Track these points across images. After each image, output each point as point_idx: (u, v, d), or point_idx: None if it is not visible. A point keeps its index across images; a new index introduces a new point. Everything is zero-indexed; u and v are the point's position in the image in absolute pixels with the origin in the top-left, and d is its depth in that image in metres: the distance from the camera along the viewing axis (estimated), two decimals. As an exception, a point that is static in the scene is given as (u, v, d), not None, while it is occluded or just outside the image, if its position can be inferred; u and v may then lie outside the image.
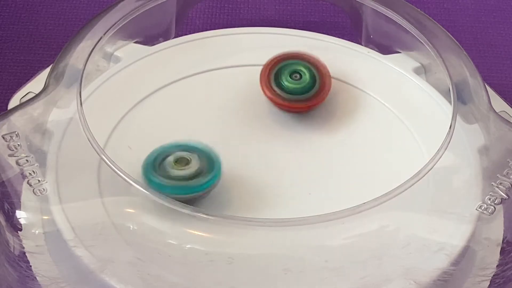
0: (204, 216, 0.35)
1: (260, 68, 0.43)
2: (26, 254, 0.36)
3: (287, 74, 0.42)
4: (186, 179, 0.37)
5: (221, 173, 0.37)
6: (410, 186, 0.36)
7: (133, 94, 0.43)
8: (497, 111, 0.41)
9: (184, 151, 0.38)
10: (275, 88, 0.42)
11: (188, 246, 0.36)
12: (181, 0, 0.48)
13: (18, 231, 0.36)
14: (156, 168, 0.37)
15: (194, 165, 0.37)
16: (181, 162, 0.37)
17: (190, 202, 0.36)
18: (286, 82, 0.42)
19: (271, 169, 0.40)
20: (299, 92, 0.42)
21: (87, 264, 0.35)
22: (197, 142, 0.38)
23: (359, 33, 0.48)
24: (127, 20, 0.44)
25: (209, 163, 0.37)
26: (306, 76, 0.42)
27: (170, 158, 0.37)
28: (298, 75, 0.42)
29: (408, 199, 0.36)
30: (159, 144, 0.40)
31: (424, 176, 0.37)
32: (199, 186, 0.37)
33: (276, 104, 0.42)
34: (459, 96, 0.41)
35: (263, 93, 0.42)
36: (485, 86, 0.42)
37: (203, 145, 0.38)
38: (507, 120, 0.41)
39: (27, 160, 0.38)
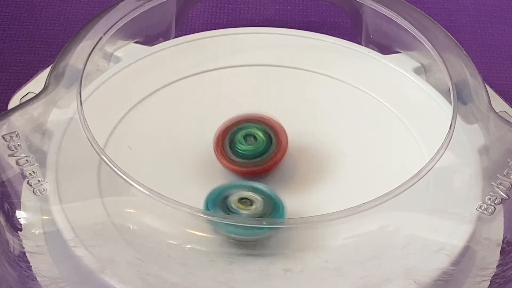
0: (204, 216, 0.35)
1: (261, 67, 0.43)
2: (26, 254, 0.36)
3: (241, 137, 0.39)
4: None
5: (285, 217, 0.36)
6: (410, 186, 0.36)
7: (133, 94, 0.43)
8: (497, 111, 0.41)
9: (248, 191, 0.37)
10: (230, 154, 0.39)
11: (188, 246, 0.36)
12: (181, 0, 0.48)
13: (18, 231, 0.36)
14: (219, 205, 0.36)
15: (258, 207, 0.36)
16: (245, 202, 0.36)
17: (250, 244, 0.36)
18: (241, 146, 0.39)
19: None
20: (254, 155, 0.39)
21: (87, 264, 0.35)
22: (261, 184, 0.37)
23: (359, 33, 0.48)
24: (127, 20, 0.44)
25: (273, 206, 0.36)
26: (261, 137, 0.39)
27: (234, 197, 0.36)
28: (252, 138, 0.40)
29: (408, 199, 0.36)
30: (159, 144, 0.41)
31: (424, 176, 0.37)
32: (263, 228, 0.36)
33: (232, 170, 0.39)
34: (459, 96, 0.41)
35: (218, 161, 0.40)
36: (485, 86, 0.42)
37: (266, 187, 0.37)
38: (507, 120, 0.41)
39: (27, 160, 0.38)
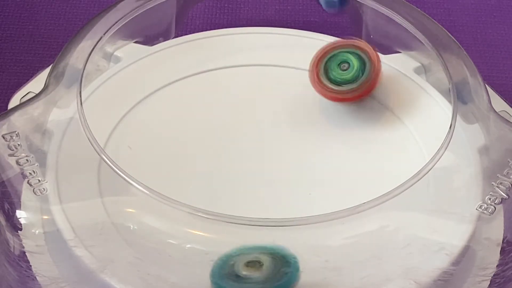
0: (204, 216, 0.35)
1: (261, 67, 0.43)
2: (26, 254, 0.36)
3: (335, 64, 0.41)
4: (259, 282, 0.34)
5: (299, 274, 0.34)
6: (410, 186, 0.36)
7: (133, 94, 0.43)
8: (497, 111, 0.41)
9: (255, 253, 0.34)
10: (324, 81, 0.41)
11: (188, 246, 0.36)
12: (181, 0, 0.48)
13: (18, 231, 0.36)
14: (226, 274, 0.34)
15: (267, 267, 0.34)
16: (253, 265, 0.34)
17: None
18: (334, 73, 0.41)
19: (271, 169, 0.40)
20: (348, 81, 0.41)
21: (87, 264, 0.35)
22: (269, 243, 0.35)
23: (359, 33, 0.48)
24: (127, 20, 0.44)
25: (284, 264, 0.34)
26: (355, 64, 0.41)
27: (240, 263, 0.34)
28: (346, 65, 0.41)
29: (408, 199, 0.36)
30: (159, 144, 0.41)
31: (424, 176, 0.37)
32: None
33: (325, 96, 0.42)
34: (459, 96, 0.41)
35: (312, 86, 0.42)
36: (485, 86, 0.42)
37: (276, 245, 0.35)
38: (507, 120, 0.41)
39: (27, 160, 0.38)
